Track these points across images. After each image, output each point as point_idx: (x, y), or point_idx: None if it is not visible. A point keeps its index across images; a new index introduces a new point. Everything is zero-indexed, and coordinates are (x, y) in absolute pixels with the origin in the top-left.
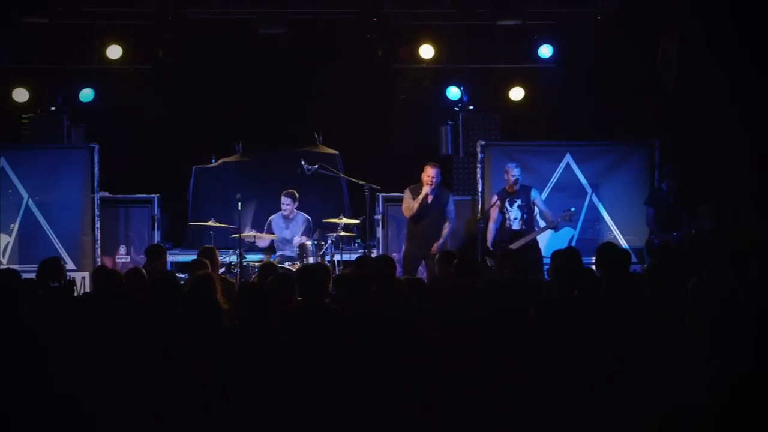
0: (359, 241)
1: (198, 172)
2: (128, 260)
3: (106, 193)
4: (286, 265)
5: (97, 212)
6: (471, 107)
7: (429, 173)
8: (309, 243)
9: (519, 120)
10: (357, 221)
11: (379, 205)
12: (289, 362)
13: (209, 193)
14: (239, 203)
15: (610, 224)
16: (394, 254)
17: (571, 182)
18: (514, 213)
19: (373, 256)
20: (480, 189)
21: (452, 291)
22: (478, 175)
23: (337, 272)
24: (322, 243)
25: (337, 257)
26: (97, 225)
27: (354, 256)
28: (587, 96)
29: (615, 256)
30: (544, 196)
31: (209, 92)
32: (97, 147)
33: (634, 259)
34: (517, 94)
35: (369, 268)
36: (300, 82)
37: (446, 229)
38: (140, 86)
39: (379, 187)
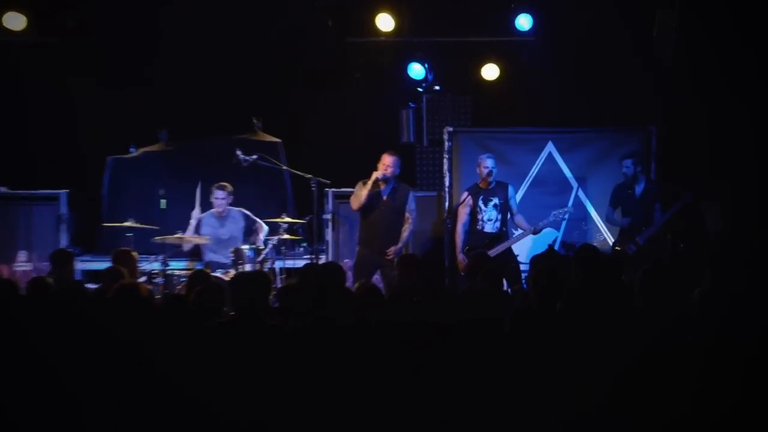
0: (305, 245)
1: (114, 164)
2: (30, 268)
3: (3, 189)
4: (218, 273)
5: None
6: (436, 88)
7: (385, 162)
8: (245, 248)
9: (493, 102)
10: (302, 221)
11: (328, 203)
12: (216, 383)
13: (127, 189)
14: (163, 200)
15: (599, 224)
16: (347, 260)
17: (554, 175)
18: (488, 213)
19: (322, 262)
20: (447, 183)
21: (415, 302)
22: (445, 167)
23: (279, 282)
24: (262, 247)
25: (279, 264)
26: None
27: (299, 263)
28: (572, 75)
29: (601, 259)
30: (521, 192)
31: (127, 69)
32: None
33: None
34: (490, 72)
35: (314, 277)
36: (236, 58)
37: (406, 230)
38: (45, 62)
39: (328, 182)
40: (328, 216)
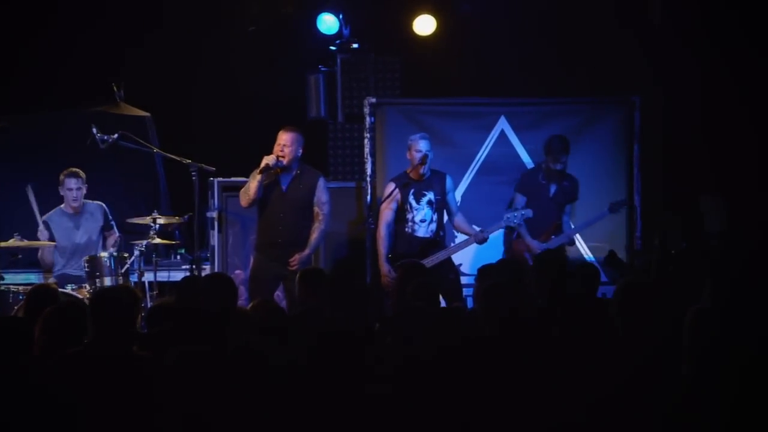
0: (183, 251)
1: None
2: None
3: None
4: (69, 288)
5: None
6: (355, 46)
7: (281, 140)
8: (104, 255)
9: (428, 66)
10: (180, 221)
11: (214, 197)
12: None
13: None
14: None
15: (571, 228)
16: (238, 272)
17: (508, 160)
18: (421, 212)
19: (206, 274)
20: (369, 171)
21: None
22: (367, 150)
23: (149, 300)
24: (126, 255)
25: (148, 276)
26: None
27: (176, 276)
28: (533, 31)
29: (574, 270)
30: (466, 182)
31: None
32: None
33: (603, 278)
34: (424, 25)
35: (195, 294)
36: (91, 5)
37: (316, 231)
38: None
39: (213, 169)
40: (214, 214)
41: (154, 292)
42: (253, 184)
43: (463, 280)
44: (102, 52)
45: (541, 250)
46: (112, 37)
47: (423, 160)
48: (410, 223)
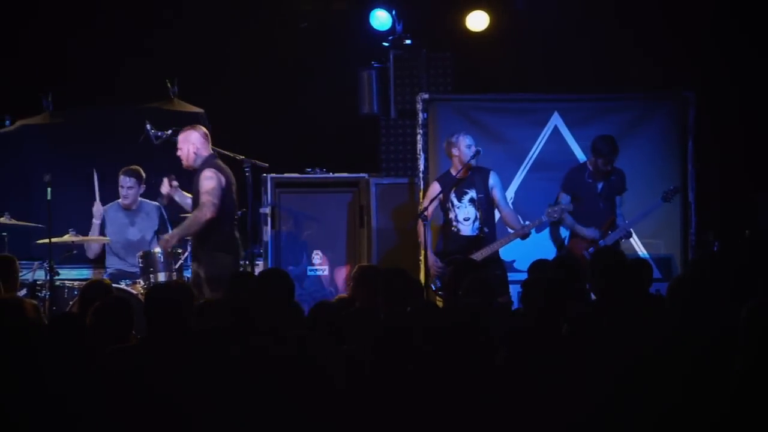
0: None
1: None
2: None
3: None
4: (123, 284)
5: None
6: (407, 42)
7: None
8: (158, 251)
9: (481, 62)
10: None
11: (267, 193)
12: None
13: (1, 173)
14: (48, 189)
15: (626, 221)
16: (291, 267)
17: (561, 156)
18: (464, 211)
19: (260, 270)
20: (422, 167)
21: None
22: (419, 146)
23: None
24: (179, 251)
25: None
26: None
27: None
28: (586, 25)
29: (622, 266)
30: (519, 178)
31: (1, 17)
32: None
33: (657, 274)
34: (477, 21)
35: (250, 289)
36: (146, 3)
37: (190, 216)
38: None
39: (266, 165)
40: (267, 210)
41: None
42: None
43: (517, 276)
44: (156, 48)
45: (597, 240)
46: (166, 34)
47: (471, 156)
48: (454, 222)
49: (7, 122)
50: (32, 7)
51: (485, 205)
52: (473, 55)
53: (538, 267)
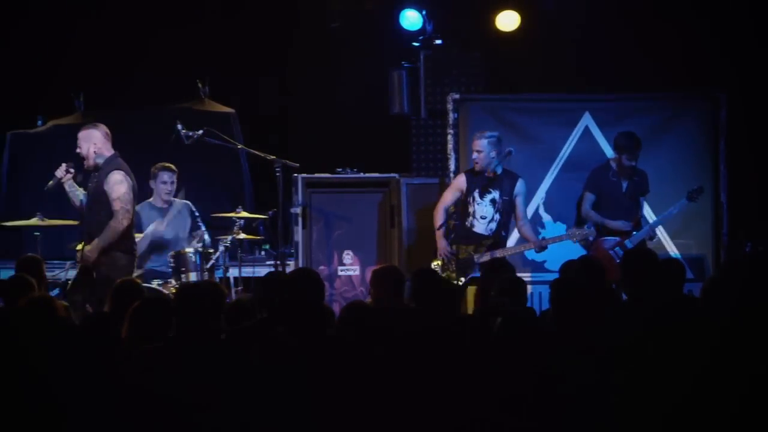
0: (268, 247)
1: (14, 141)
2: None
3: None
4: (155, 284)
5: None
6: (438, 42)
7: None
8: (190, 251)
9: (511, 61)
10: (264, 216)
11: (298, 193)
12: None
13: (33, 174)
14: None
15: (651, 221)
16: (322, 267)
17: (592, 156)
18: (482, 209)
19: (290, 270)
20: (452, 167)
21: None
22: (450, 146)
23: (234, 295)
24: (211, 250)
25: (233, 272)
26: None
27: (261, 271)
28: (616, 25)
29: (654, 267)
30: (551, 177)
31: (32, 17)
32: None
33: (689, 274)
34: (508, 20)
35: (280, 290)
36: (176, 5)
37: (106, 227)
38: None
39: (297, 165)
40: (298, 210)
41: (239, 288)
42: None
43: (547, 276)
44: (187, 49)
45: (629, 232)
46: (197, 34)
47: (496, 159)
48: (470, 218)
49: (40, 122)
50: (64, 8)
51: (506, 209)
52: (503, 54)
53: (568, 268)
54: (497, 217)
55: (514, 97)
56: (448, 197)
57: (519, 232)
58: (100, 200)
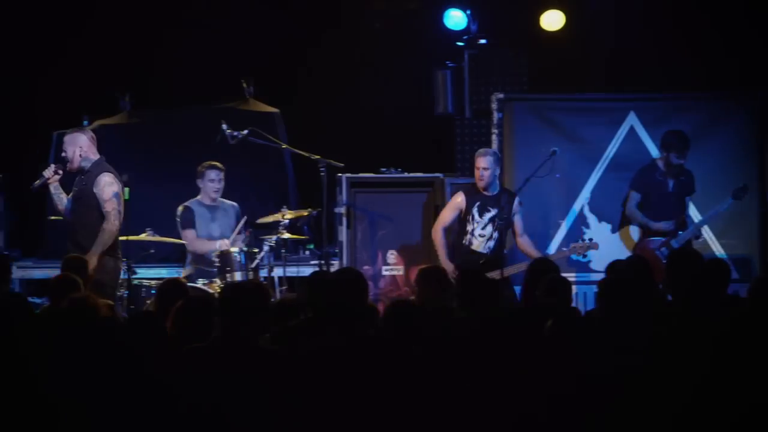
0: (312, 247)
1: (61, 142)
2: None
3: None
4: (200, 283)
5: None
6: (482, 41)
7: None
8: (235, 250)
9: (556, 61)
10: (308, 216)
11: (342, 192)
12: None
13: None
14: (126, 188)
15: (697, 221)
16: (366, 267)
17: (638, 156)
18: (481, 227)
19: (335, 269)
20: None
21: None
22: (495, 146)
23: (278, 295)
24: (256, 250)
25: (278, 272)
26: None
27: (305, 271)
28: (661, 24)
29: (699, 267)
30: (595, 177)
31: (80, 19)
32: None
33: (735, 275)
34: (552, 20)
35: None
36: (221, 4)
37: (101, 231)
38: None
39: (341, 165)
40: (342, 209)
41: (284, 287)
42: (54, 199)
43: (591, 276)
44: (232, 48)
45: (673, 231)
46: (241, 34)
47: (493, 177)
48: (468, 236)
49: (86, 122)
50: (109, 7)
51: (505, 227)
52: (548, 54)
53: (615, 267)
54: (496, 235)
55: (559, 96)
56: (447, 217)
57: (519, 247)
58: (87, 203)
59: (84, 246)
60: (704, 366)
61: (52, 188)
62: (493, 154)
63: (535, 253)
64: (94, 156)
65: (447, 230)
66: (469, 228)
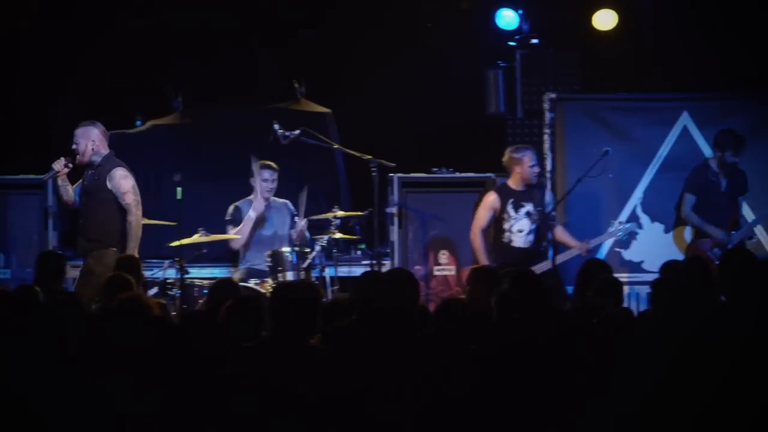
0: (364, 247)
1: (114, 142)
2: (8, 275)
3: None
4: (252, 283)
5: None
6: (534, 41)
7: (74, 136)
8: (287, 250)
9: (609, 60)
10: (360, 216)
11: (393, 192)
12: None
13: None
14: (179, 188)
15: (750, 221)
16: (418, 267)
17: (691, 156)
18: (519, 223)
19: (386, 270)
20: (549, 166)
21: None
22: (547, 146)
23: (330, 295)
24: (308, 250)
25: (329, 272)
26: None
27: (357, 271)
28: (714, 23)
29: (752, 267)
30: (648, 177)
31: (131, 17)
32: None
33: None
34: (605, 19)
35: (376, 290)
36: (273, 5)
37: (127, 225)
38: (25, 7)
39: (393, 164)
40: (393, 209)
41: (335, 287)
42: (61, 191)
43: (644, 276)
44: (284, 49)
45: (724, 240)
46: (293, 34)
47: (533, 175)
48: (507, 233)
49: (138, 122)
50: (163, 8)
51: (541, 219)
52: (600, 53)
53: (669, 268)
54: (533, 228)
55: (611, 96)
56: (483, 218)
57: (555, 237)
58: (99, 198)
59: (95, 240)
60: (759, 368)
61: (59, 180)
62: (533, 150)
63: (572, 241)
64: (105, 150)
65: (485, 231)
66: (506, 225)
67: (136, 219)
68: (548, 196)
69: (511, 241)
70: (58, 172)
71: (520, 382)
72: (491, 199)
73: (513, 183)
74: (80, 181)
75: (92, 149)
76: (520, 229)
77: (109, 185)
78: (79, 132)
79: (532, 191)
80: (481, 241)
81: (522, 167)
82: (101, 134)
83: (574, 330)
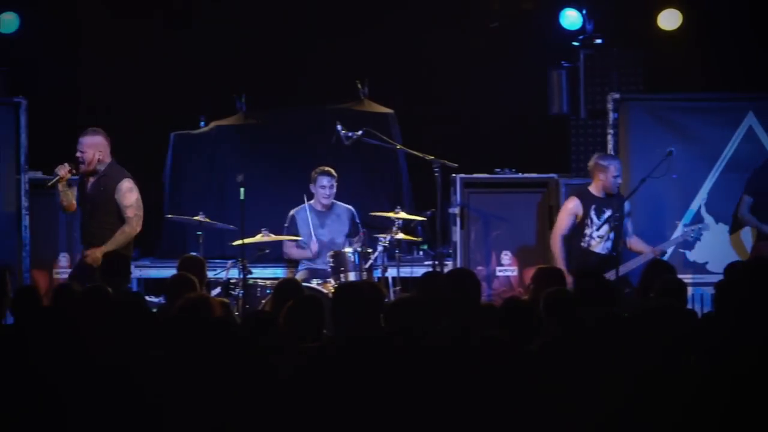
0: (426, 247)
1: (178, 142)
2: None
3: (39, 173)
4: (314, 283)
5: (24, 202)
6: (598, 41)
7: (79, 144)
8: (349, 251)
9: (672, 60)
10: (422, 217)
11: (456, 193)
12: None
13: (196, 174)
14: (242, 189)
15: None
16: (480, 267)
17: (755, 156)
18: (600, 229)
19: (448, 270)
20: None
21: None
22: (610, 146)
23: (392, 295)
24: (370, 250)
25: (391, 272)
26: (25, 222)
27: (419, 271)
28: None
29: None
30: (712, 178)
31: (195, 19)
32: (24, 102)
33: None
34: (669, 19)
35: (440, 290)
36: (335, 6)
37: (119, 230)
38: (89, 11)
39: (456, 165)
40: (456, 210)
41: (398, 288)
42: (62, 196)
43: (708, 278)
44: (347, 49)
45: None
46: (356, 34)
47: (615, 183)
48: (587, 238)
49: (202, 123)
50: (228, 10)
51: (619, 226)
52: (665, 53)
53: (733, 269)
54: (612, 235)
55: (676, 96)
56: (565, 224)
57: (629, 247)
58: (105, 209)
59: (96, 245)
60: None
61: (60, 186)
62: (619, 160)
63: (646, 248)
64: (108, 159)
65: (565, 237)
66: (588, 231)
67: (130, 231)
68: (627, 207)
69: (590, 246)
70: (61, 177)
71: (575, 380)
72: (573, 204)
73: (594, 189)
74: (76, 185)
75: (99, 159)
76: (600, 235)
77: (115, 197)
78: (86, 140)
79: (611, 198)
80: (561, 247)
81: (606, 175)
82: (106, 142)
83: (638, 331)
